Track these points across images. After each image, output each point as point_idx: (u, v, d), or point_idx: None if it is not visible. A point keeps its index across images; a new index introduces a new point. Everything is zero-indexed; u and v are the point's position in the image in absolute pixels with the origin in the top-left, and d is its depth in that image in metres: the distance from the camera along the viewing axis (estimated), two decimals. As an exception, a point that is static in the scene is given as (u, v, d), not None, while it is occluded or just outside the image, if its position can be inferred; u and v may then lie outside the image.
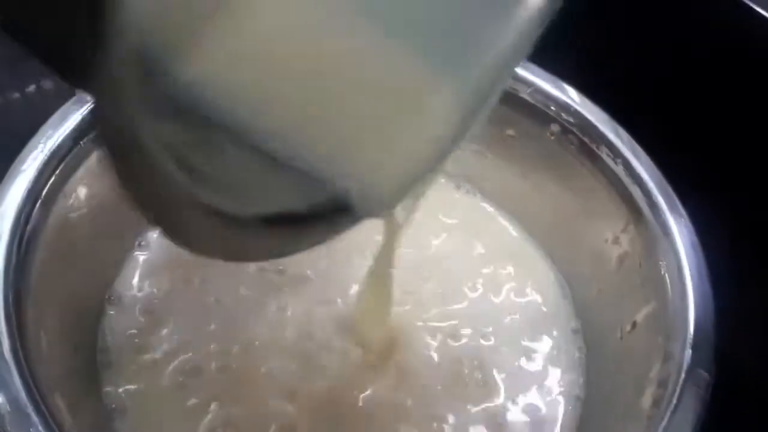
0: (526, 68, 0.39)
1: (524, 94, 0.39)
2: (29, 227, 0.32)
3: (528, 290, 0.39)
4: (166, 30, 0.19)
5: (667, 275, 0.34)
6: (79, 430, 0.30)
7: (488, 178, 0.42)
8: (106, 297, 0.37)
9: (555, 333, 0.38)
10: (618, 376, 0.35)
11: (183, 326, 0.36)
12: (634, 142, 0.37)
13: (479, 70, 0.22)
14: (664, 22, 0.43)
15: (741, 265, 0.36)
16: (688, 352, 0.31)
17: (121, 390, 0.34)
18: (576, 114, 0.38)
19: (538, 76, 0.39)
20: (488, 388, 0.36)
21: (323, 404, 0.34)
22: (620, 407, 0.33)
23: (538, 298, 0.39)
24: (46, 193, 0.33)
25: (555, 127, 0.38)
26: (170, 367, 0.35)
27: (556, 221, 0.40)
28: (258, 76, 0.20)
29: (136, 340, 0.35)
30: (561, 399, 0.36)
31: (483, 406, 0.35)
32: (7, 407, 0.27)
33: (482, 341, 0.37)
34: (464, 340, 0.37)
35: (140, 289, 0.37)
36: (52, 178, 0.33)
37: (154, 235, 0.38)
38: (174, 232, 0.23)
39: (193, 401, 0.34)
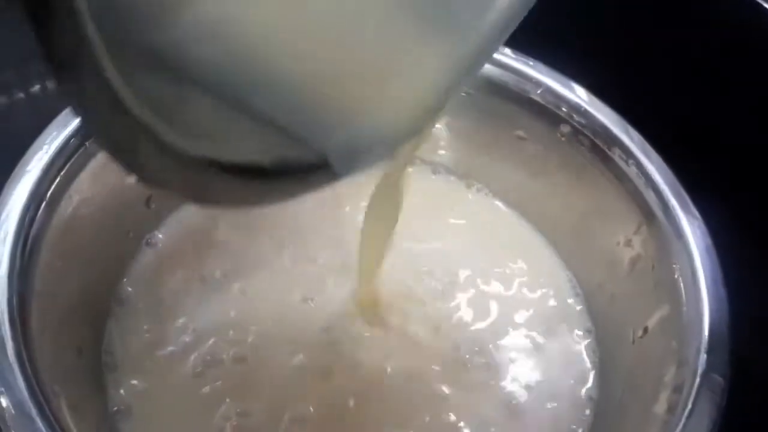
0: (535, 69, 0.38)
1: (534, 95, 0.38)
2: (34, 228, 0.32)
3: (539, 286, 0.39)
4: None
5: (680, 278, 0.33)
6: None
7: (499, 179, 0.41)
8: (113, 297, 0.36)
9: (566, 330, 0.38)
10: (631, 380, 0.34)
11: (194, 322, 0.36)
12: (645, 143, 0.37)
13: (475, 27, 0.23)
14: (679, 22, 0.43)
15: (756, 267, 0.35)
16: (703, 357, 0.31)
17: (126, 391, 0.34)
18: (587, 115, 0.38)
19: (548, 76, 0.38)
20: (497, 379, 0.35)
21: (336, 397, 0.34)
22: (634, 412, 0.33)
23: (550, 293, 0.39)
24: (51, 194, 0.33)
25: (566, 128, 0.38)
26: (181, 365, 0.34)
27: (568, 223, 0.40)
28: (250, 30, 0.20)
29: (147, 335, 0.35)
30: (572, 398, 0.35)
31: (492, 398, 0.35)
32: (12, 410, 0.27)
33: (491, 334, 0.37)
34: (473, 328, 0.37)
35: (150, 287, 0.37)
36: (57, 179, 0.33)
37: (160, 234, 0.38)
38: (132, 166, 0.23)
39: (205, 393, 0.33)
